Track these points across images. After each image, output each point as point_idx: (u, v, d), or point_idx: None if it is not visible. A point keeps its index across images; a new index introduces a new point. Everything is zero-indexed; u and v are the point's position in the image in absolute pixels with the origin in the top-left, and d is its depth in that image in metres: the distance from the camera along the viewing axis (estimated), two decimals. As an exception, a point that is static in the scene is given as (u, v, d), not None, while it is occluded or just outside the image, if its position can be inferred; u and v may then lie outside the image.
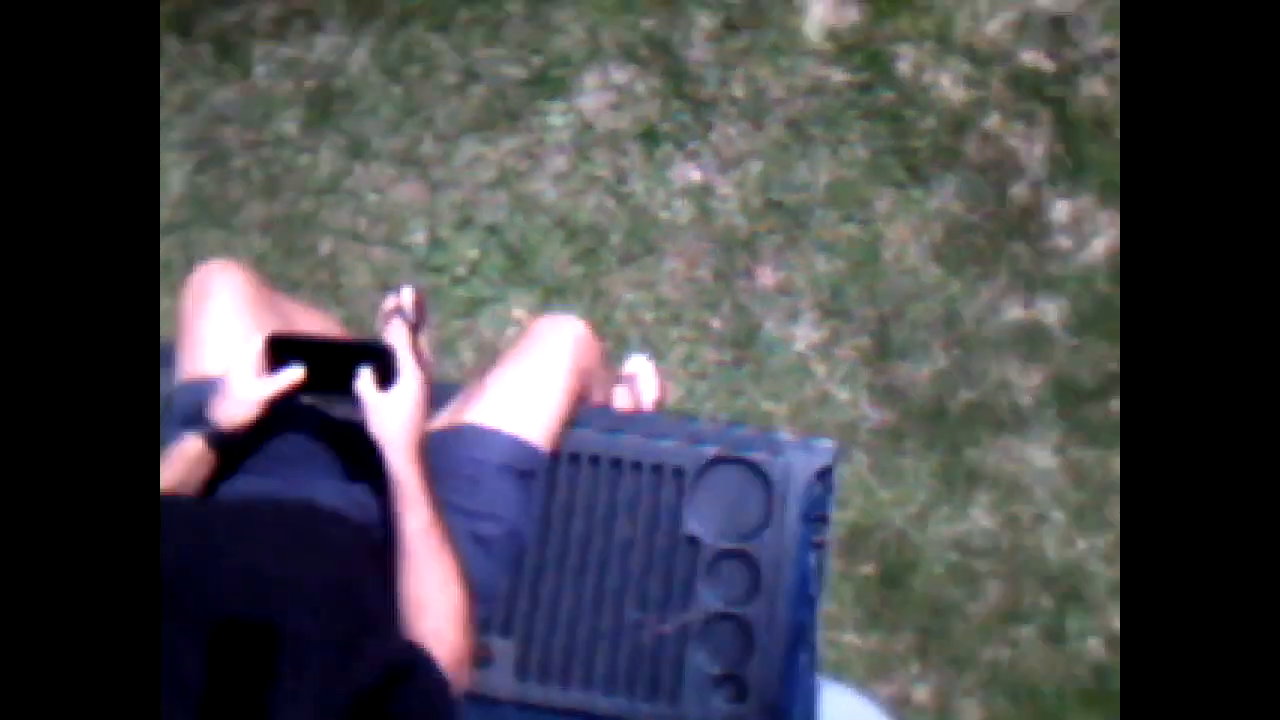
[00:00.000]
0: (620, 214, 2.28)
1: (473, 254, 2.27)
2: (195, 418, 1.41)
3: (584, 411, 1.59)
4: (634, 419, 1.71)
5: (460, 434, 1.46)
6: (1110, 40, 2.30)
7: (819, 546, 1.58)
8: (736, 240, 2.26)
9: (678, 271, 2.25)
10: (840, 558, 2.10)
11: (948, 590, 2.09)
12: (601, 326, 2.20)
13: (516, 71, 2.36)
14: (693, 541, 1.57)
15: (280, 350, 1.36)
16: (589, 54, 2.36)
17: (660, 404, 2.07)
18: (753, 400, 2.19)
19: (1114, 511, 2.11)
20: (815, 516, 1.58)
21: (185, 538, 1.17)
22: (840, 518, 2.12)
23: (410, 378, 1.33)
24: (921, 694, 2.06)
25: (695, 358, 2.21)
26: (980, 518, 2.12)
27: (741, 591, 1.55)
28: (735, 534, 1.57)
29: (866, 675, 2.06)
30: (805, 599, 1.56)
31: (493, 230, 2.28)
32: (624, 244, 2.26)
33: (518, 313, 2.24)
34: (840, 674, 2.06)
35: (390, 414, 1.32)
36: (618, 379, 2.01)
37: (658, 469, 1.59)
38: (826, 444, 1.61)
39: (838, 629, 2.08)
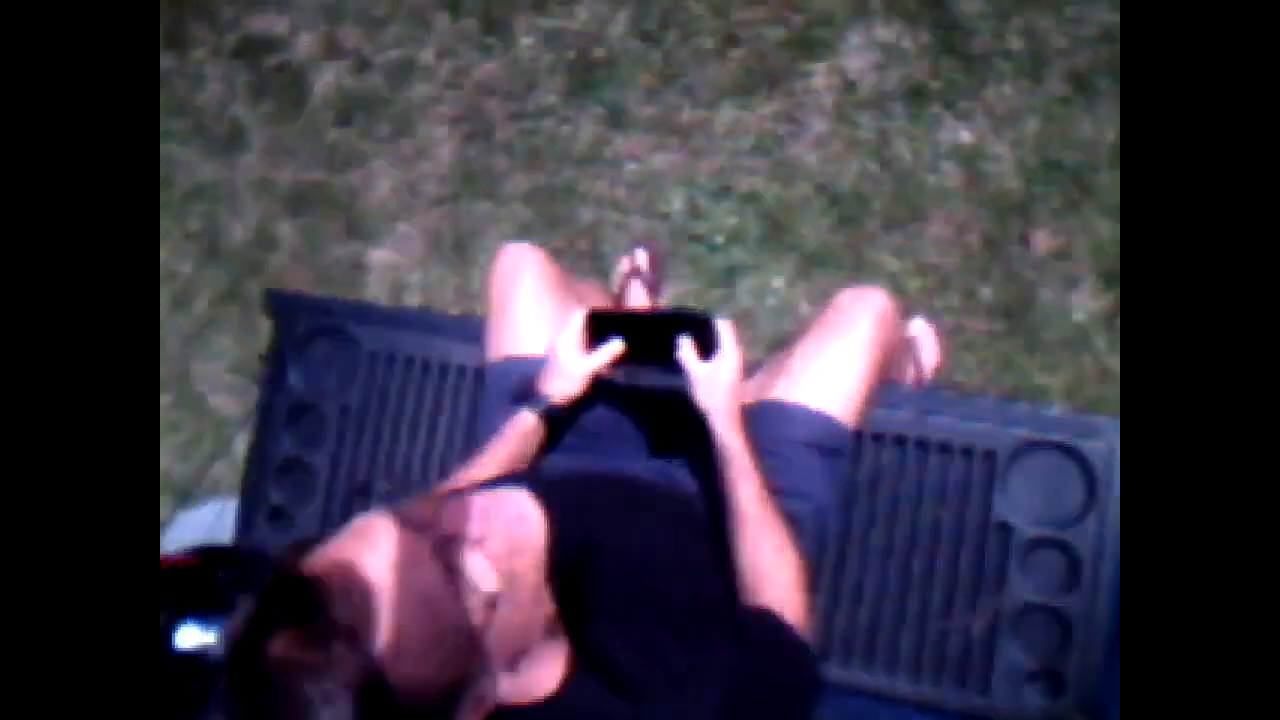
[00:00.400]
0: (884, 178, 2.19)
1: (731, 221, 2.23)
2: (515, 394, 1.45)
3: (888, 388, 1.54)
4: (941, 398, 1.62)
5: (767, 410, 1.43)
6: None
7: None
8: (1010, 204, 2.12)
9: (945, 237, 2.14)
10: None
11: None
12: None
13: (776, 32, 2.30)
14: (1004, 528, 1.49)
15: (601, 326, 1.39)
16: (853, 10, 2.27)
17: (940, 370, 1.98)
18: (1026, 373, 2.06)
19: None
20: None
21: (573, 515, 1.15)
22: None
23: (730, 347, 1.33)
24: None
25: (964, 329, 2.10)
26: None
27: (1058, 582, 1.46)
28: (1052, 521, 1.47)
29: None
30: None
31: (751, 197, 2.24)
32: (887, 210, 2.17)
33: (776, 281, 2.20)
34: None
35: (715, 383, 1.31)
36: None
37: (967, 451, 1.51)
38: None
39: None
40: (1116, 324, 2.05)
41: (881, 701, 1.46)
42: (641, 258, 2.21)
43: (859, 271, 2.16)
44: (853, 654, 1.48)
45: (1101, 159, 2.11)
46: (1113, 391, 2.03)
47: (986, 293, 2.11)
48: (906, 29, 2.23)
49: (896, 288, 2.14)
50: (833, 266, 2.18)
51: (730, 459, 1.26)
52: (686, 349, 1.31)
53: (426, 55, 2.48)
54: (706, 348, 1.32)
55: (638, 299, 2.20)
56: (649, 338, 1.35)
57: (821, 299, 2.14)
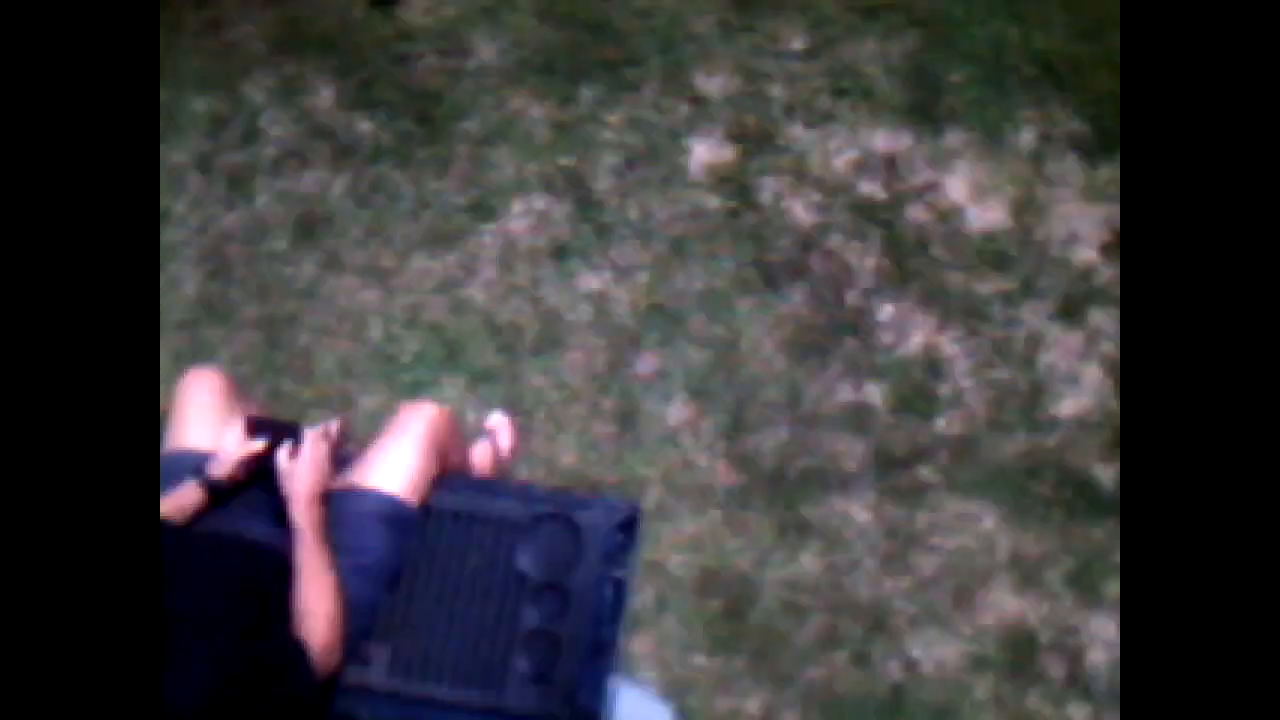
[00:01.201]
0: (534, 315, 2.84)
1: (416, 347, 2.85)
2: (185, 475, 2.01)
3: (452, 477, 2.15)
4: (486, 484, 2.25)
5: (348, 493, 2.03)
6: (931, 174, 2.81)
7: (619, 580, 2.10)
8: (625, 337, 2.80)
9: (578, 361, 2.80)
10: (694, 594, 2.61)
11: (779, 621, 2.58)
12: (515, 404, 2.75)
13: (459, 200, 2.96)
14: (521, 576, 2.10)
15: (254, 427, 1.97)
16: (516, 186, 2.95)
17: (515, 452, 2.61)
18: (631, 466, 2.71)
19: (918, 559, 2.58)
20: (616, 558, 2.10)
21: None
22: (694, 561, 2.63)
23: (307, 451, 1.91)
24: (753, 706, 2.54)
25: (589, 431, 2.75)
26: (808, 562, 2.61)
27: (556, 613, 2.07)
28: (554, 571, 2.09)
29: (710, 689, 2.55)
30: (607, 620, 2.07)
31: (433, 328, 2.86)
32: (536, 339, 2.83)
33: (450, 395, 2.81)
34: (690, 688, 2.55)
35: (292, 476, 1.90)
36: (484, 433, 2.57)
37: (501, 521, 2.12)
38: (629, 503, 2.13)
39: (690, 651, 2.57)
40: (701, 427, 2.73)
41: (429, 704, 2.04)
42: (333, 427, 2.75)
43: (512, 386, 2.80)
44: (413, 670, 2.06)
45: (691, 304, 2.82)
46: (693, 479, 2.69)
47: (607, 404, 2.77)
48: (555, 200, 2.92)
49: (540, 399, 2.78)
50: (494, 382, 2.82)
51: (297, 530, 1.86)
52: (282, 451, 1.91)
53: (179, 207, 3.04)
54: (298, 451, 1.92)
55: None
56: (279, 439, 1.94)
57: (483, 408, 2.77)
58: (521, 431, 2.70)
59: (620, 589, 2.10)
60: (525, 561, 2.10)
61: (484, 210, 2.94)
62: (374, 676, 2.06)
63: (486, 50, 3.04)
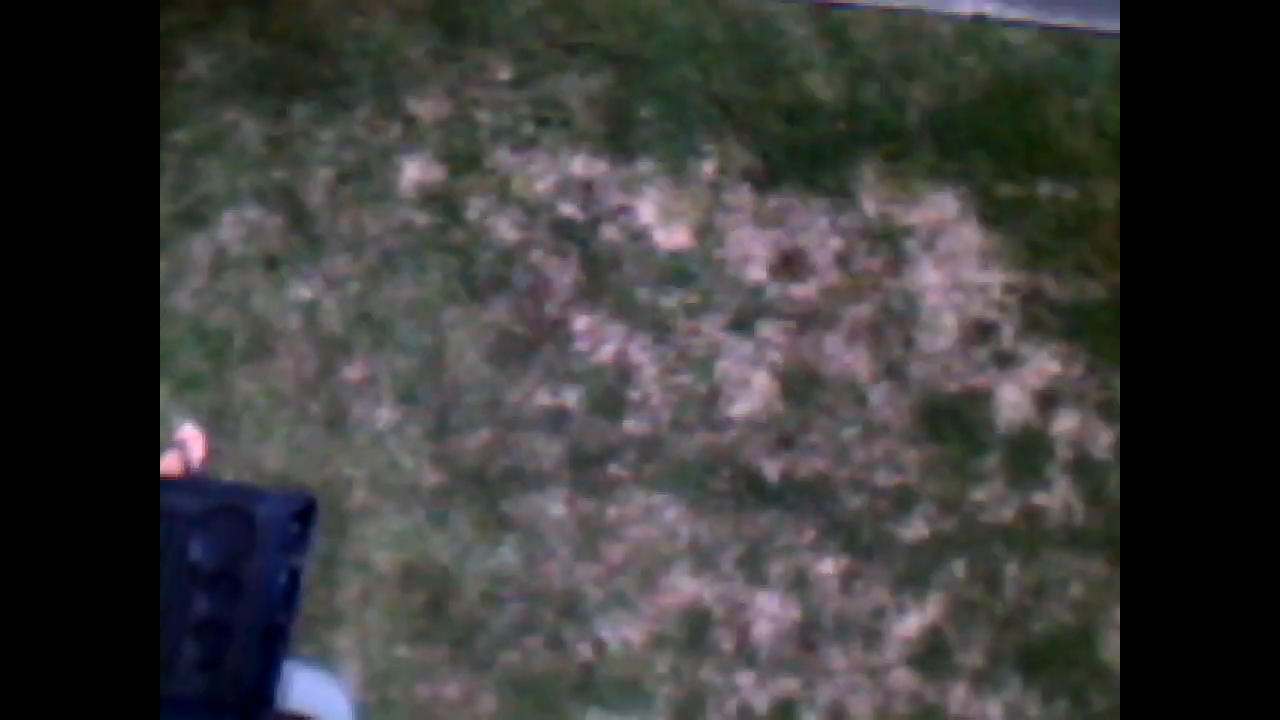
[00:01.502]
0: (244, 322, 2.91)
1: (120, 352, 2.85)
2: None
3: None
4: (170, 482, 2.33)
5: None
6: (624, 198, 3.10)
7: (294, 569, 2.20)
8: (334, 344, 2.91)
9: (287, 368, 2.89)
10: (397, 588, 2.74)
11: (478, 611, 2.75)
12: (222, 409, 2.81)
13: (168, 208, 2.98)
14: (194, 567, 2.18)
15: None
16: (228, 196, 3.01)
17: (205, 463, 2.68)
18: (339, 468, 2.82)
19: (607, 548, 2.82)
20: (292, 547, 2.20)
21: None
22: (397, 557, 2.77)
23: None
24: (452, 691, 2.69)
25: (296, 435, 2.84)
26: (506, 555, 2.80)
27: (228, 602, 2.16)
28: (227, 561, 2.18)
29: (411, 679, 2.68)
30: (280, 606, 2.17)
31: (139, 333, 2.87)
32: (245, 347, 2.89)
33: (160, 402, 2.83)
34: (391, 679, 2.68)
35: None
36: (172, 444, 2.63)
37: (172, 514, 2.18)
38: (305, 494, 2.25)
39: (392, 644, 2.70)
40: (406, 430, 2.87)
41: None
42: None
43: (219, 393, 2.85)
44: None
45: (399, 313, 2.96)
46: (400, 479, 2.83)
47: (316, 409, 2.87)
48: (267, 213, 3.00)
49: (247, 404, 2.85)
50: (201, 390, 2.86)
51: None
52: None
53: None
54: None
55: None
56: None
57: (190, 415, 2.80)
58: (226, 438, 2.76)
59: (295, 577, 2.20)
60: (198, 552, 2.17)
61: (195, 219, 2.98)
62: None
63: (198, 64, 3.09)
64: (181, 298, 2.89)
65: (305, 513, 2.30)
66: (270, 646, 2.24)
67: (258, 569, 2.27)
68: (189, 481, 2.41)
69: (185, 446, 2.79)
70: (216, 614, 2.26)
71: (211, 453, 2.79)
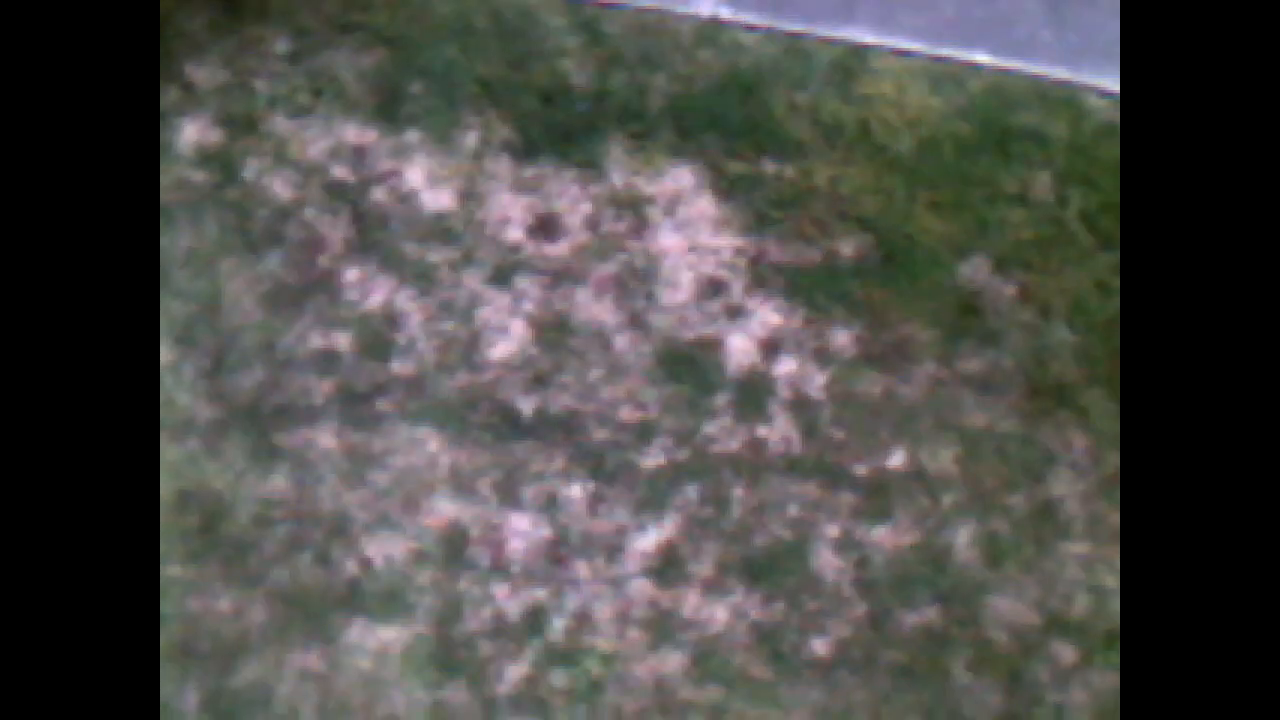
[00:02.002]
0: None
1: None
2: None
3: None
4: None
5: None
6: (393, 164, 3.38)
7: None
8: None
9: (64, 310, 3.04)
10: (171, 512, 2.93)
11: (249, 533, 2.96)
12: None
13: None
14: None
15: None
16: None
17: None
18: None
19: (374, 475, 3.09)
20: None
21: None
22: (171, 484, 2.96)
23: None
24: (224, 605, 2.90)
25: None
26: (277, 482, 3.03)
27: None
28: None
29: (182, 594, 2.87)
30: None
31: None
32: None
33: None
34: (164, 595, 2.86)
35: None
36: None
37: None
38: None
39: (165, 563, 2.88)
40: (182, 370, 3.06)
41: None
42: None
43: None
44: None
45: (177, 263, 3.16)
46: (178, 419, 3.01)
47: (93, 349, 3.03)
48: None
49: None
50: None
51: None
52: None
53: None
54: None
55: None
56: None
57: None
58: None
59: None
60: None
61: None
62: None
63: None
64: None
65: None
66: None
67: None
68: None
69: None
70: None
71: None
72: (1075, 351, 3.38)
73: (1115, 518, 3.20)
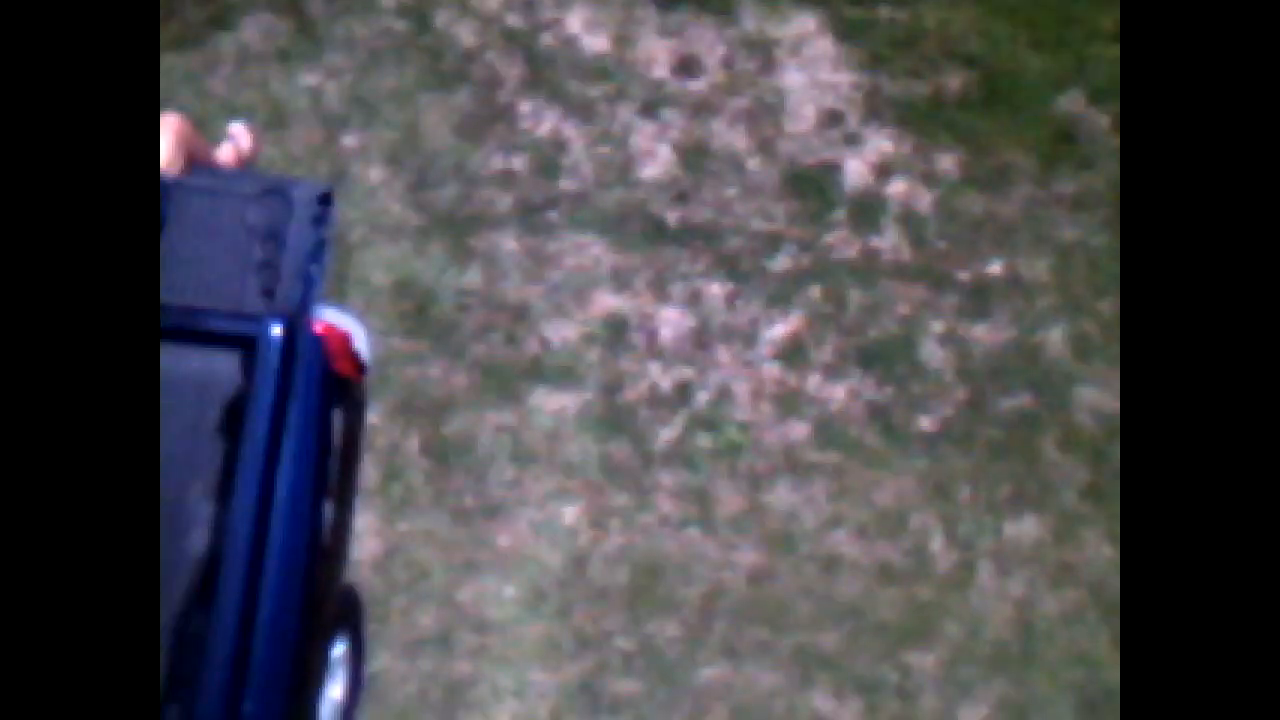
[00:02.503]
0: (261, 101, 3.72)
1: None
2: None
3: (200, 166, 3.02)
4: (224, 170, 3.16)
5: None
6: (556, 13, 3.94)
7: (320, 237, 3.03)
8: (336, 119, 3.75)
9: (300, 138, 3.71)
10: (390, 298, 3.61)
11: (452, 315, 3.63)
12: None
13: (200, 13, 3.77)
14: (251, 227, 2.97)
15: None
16: (248, 4, 3.80)
17: (255, 152, 3.49)
18: (342, 213, 3.66)
19: (549, 272, 3.71)
20: (318, 219, 3.03)
21: None
22: (389, 276, 3.64)
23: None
24: (434, 371, 3.58)
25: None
26: (472, 277, 3.68)
27: (275, 255, 2.95)
28: (274, 225, 2.98)
29: (401, 364, 3.56)
30: (311, 259, 2.99)
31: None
32: (266, 121, 3.70)
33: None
34: (387, 363, 3.54)
35: None
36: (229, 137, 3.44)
37: (233, 193, 2.99)
38: (326, 185, 3.10)
39: (387, 337, 3.56)
40: (394, 185, 3.72)
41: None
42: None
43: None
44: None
45: (385, 99, 3.79)
46: (393, 219, 3.68)
47: (322, 168, 3.70)
48: (278, 18, 3.80)
49: (270, 168, 3.66)
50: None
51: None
52: None
53: None
54: None
55: None
56: None
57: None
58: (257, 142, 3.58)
59: (321, 245, 3.05)
60: (253, 217, 3.00)
61: (221, 22, 3.77)
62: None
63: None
64: (215, 84, 3.69)
65: (326, 196, 3.16)
66: (307, 284, 3.09)
67: (297, 231, 3.11)
68: (241, 170, 3.22)
69: (237, 140, 3.60)
70: (267, 260, 3.11)
71: (258, 150, 3.60)
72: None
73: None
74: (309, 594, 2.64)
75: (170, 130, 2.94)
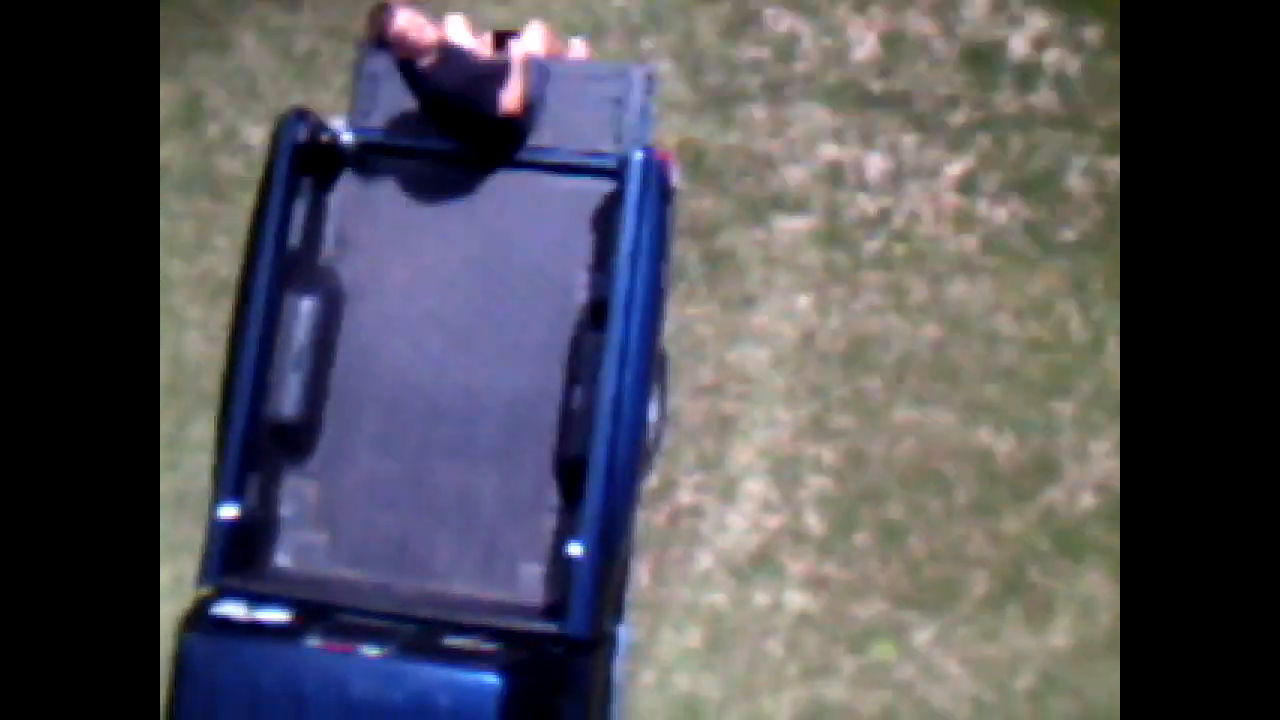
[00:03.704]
0: None
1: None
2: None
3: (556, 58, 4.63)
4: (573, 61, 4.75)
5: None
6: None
7: (648, 93, 4.58)
8: None
9: None
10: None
11: (719, 163, 5.18)
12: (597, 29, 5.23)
13: None
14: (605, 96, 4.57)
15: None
16: None
17: (590, 54, 5.06)
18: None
19: (789, 131, 5.20)
20: (648, 91, 4.57)
21: None
22: (677, 139, 5.19)
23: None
24: (706, 204, 5.16)
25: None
26: (732, 137, 5.21)
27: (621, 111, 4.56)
28: (618, 98, 4.56)
29: (685, 200, 5.16)
30: (646, 112, 4.57)
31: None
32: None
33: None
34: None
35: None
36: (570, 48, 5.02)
37: (577, 75, 4.60)
38: (647, 66, 4.64)
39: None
40: (679, 73, 5.27)
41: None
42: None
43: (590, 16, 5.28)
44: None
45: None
46: (677, 96, 5.25)
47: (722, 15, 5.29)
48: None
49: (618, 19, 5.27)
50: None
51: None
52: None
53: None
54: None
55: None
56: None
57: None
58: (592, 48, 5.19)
59: (649, 105, 4.59)
60: (607, 89, 4.56)
61: (553, -35, 5.38)
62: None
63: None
64: (556, 5, 5.31)
65: (651, 75, 4.66)
66: (644, 126, 4.71)
67: (633, 99, 4.69)
68: (589, 60, 4.80)
69: (575, 48, 5.16)
70: (617, 115, 4.72)
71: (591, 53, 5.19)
72: None
73: None
74: (656, 340, 4.31)
75: (539, 34, 4.55)
